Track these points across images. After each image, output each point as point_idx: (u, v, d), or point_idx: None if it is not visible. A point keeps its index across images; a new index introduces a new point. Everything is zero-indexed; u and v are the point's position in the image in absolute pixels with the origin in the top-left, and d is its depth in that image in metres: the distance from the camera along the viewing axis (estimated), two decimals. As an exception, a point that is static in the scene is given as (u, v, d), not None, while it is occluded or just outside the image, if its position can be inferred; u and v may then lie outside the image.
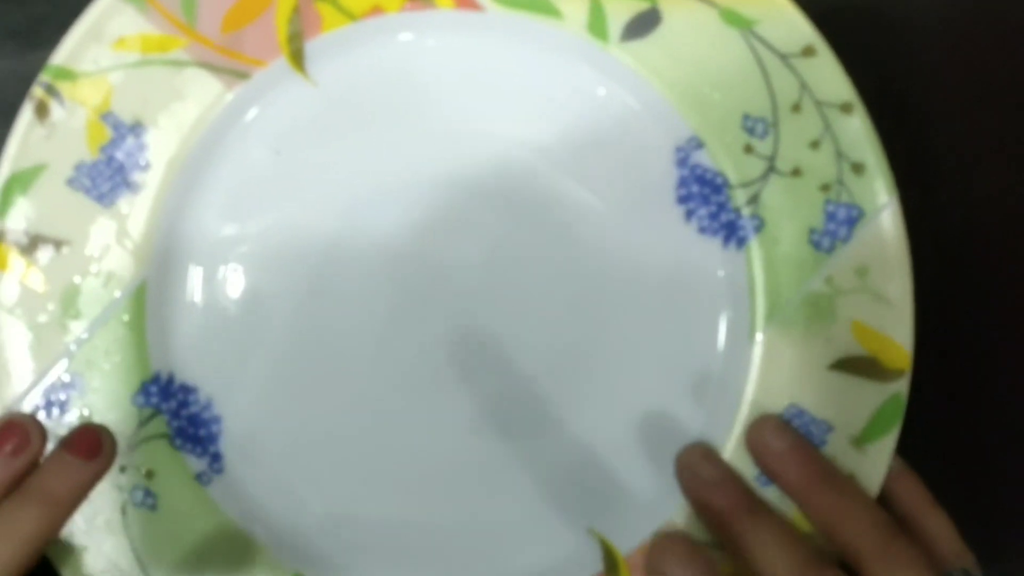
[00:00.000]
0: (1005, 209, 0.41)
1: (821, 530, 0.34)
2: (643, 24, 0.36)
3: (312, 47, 0.36)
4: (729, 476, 0.36)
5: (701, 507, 0.36)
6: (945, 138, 0.41)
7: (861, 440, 0.36)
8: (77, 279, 0.36)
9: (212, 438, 0.37)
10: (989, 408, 0.42)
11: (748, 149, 0.36)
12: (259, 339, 0.37)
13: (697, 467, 0.36)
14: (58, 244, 0.35)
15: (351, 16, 0.36)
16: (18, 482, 0.33)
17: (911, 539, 0.33)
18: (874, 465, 0.36)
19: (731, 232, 0.37)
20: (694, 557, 0.35)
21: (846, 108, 0.36)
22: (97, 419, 0.36)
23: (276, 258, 0.37)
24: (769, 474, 0.36)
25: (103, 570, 0.35)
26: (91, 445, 0.34)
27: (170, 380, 0.37)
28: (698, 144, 0.37)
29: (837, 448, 0.36)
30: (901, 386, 0.36)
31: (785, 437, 0.35)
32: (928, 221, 0.36)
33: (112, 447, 0.35)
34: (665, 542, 0.36)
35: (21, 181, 0.35)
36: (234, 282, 0.37)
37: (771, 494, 0.36)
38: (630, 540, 0.37)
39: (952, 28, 0.41)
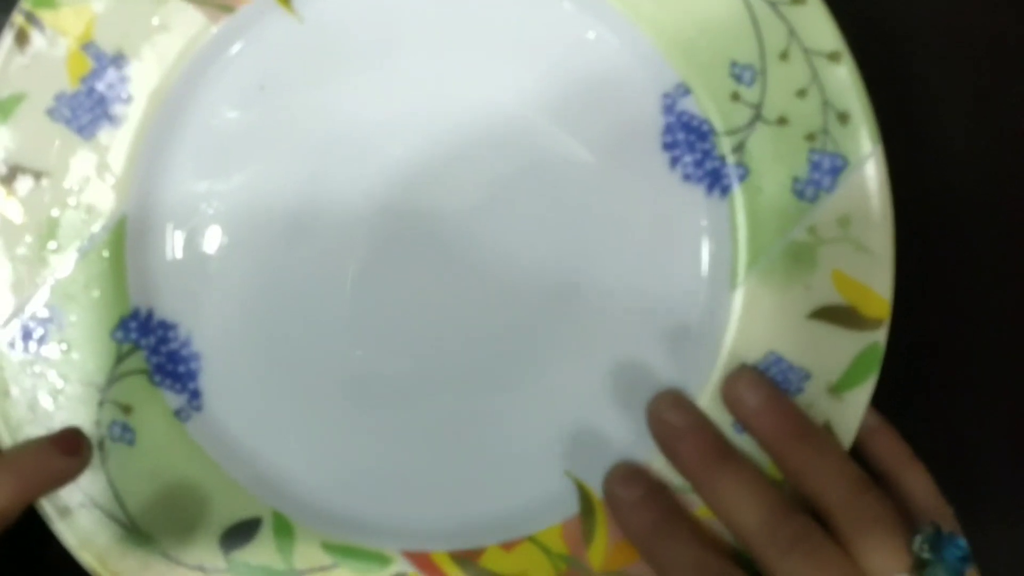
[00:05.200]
0: (988, 162, 0.42)
1: (793, 484, 0.35)
2: (634, -33, 0.36)
3: (298, -19, 0.36)
4: (699, 423, 0.36)
5: (672, 454, 0.36)
6: (930, 90, 0.41)
7: (838, 388, 0.36)
8: (56, 211, 0.35)
9: (191, 375, 0.37)
10: (969, 362, 0.42)
11: (735, 97, 0.36)
12: (238, 279, 0.37)
13: (666, 415, 0.36)
14: (37, 175, 0.35)
15: (338, -49, 0.36)
16: None
17: (882, 494, 0.33)
18: (850, 412, 0.36)
19: (715, 180, 0.37)
20: (637, 476, 0.36)
21: (834, 57, 0.35)
22: (76, 353, 0.35)
23: (256, 201, 0.37)
24: (744, 427, 0.36)
25: (80, 503, 0.35)
26: (72, 444, 0.34)
27: (149, 316, 0.37)
28: (685, 91, 0.37)
29: (814, 395, 0.36)
30: (879, 335, 0.36)
31: (759, 391, 0.36)
32: (911, 172, 0.36)
33: (88, 454, 0.35)
34: (614, 467, 0.37)
35: (1, 110, 0.34)
36: (214, 222, 0.37)
37: (747, 442, 0.36)
38: (607, 484, 0.37)
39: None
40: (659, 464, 0.37)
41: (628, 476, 0.36)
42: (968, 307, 0.42)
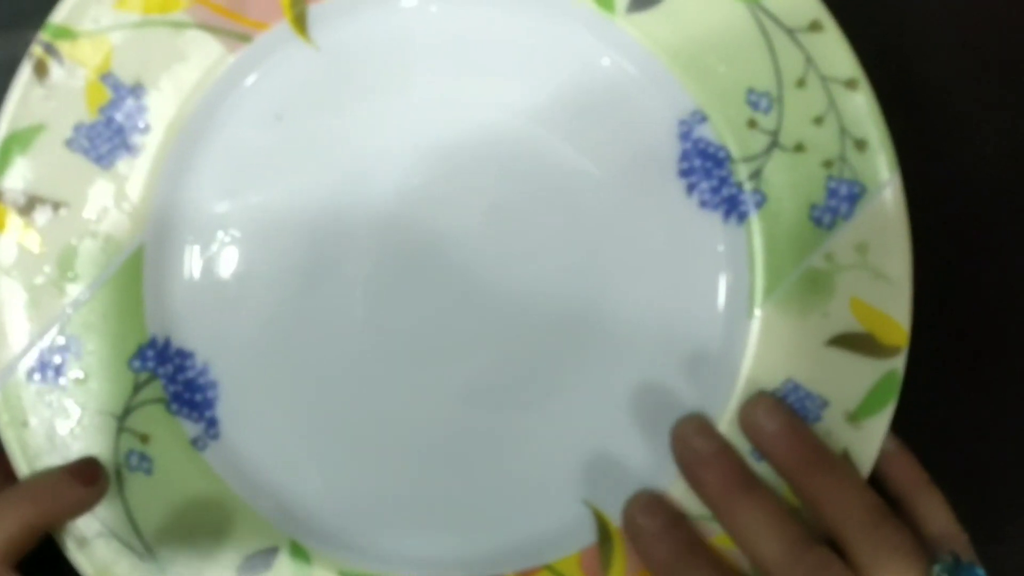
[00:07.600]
0: (1007, 186, 0.41)
1: (811, 511, 0.35)
2: (650, -5, 0.36)
3: (315, 11, 0.36)
4: (723, 451, 0.36)
5: (694, 481, 0.36)
6: (947, 114, 0.41)
7: (856, 416, 0.36)
8: (74, 241, 0.35)
9: (208, 403, 0.37)
10: (987, 386, 0.42)
11: (752, 124, 0.36)
12: (255, 306, 0.37)
13: (691, 440, 0.36)
14: (56, 205, 0.35)
15: (355, -20, 0.36)
16: None
17: (900, 523, 0.33)
18: (868, 440, 0.36)
19: (732, 207, 0.37)
20: (658, 505, 0.36)
21: (851, 84, 0.35)
22: (93, 382, 0.36)
23: (273, 227, 0.37)
24: (762, 454, 0.36)
25: (97, 533, 0.35)
26: (89, 474, 0.35)
27: (166, 344, 0.37)
28: (701, 118, 0.37)
29: (832, 423, 0.36)
30: (897, 363, 0.36)
31: (777, 417, 0.36)
32: (927, 196, 0.36)
33: (105, 484, 0.35)
34: (634, 495, 0.37)
35: (20, 141, 0.35)
36: (230, 249, 0.37)
37: (765, 468, 0.36)
38: (625, 512, 0.37)
39: (954, 2, 0.41)
40: (677, 492, 0.36)
41: (649, 505, 0.36)
42: (986, 330, 0.42)
